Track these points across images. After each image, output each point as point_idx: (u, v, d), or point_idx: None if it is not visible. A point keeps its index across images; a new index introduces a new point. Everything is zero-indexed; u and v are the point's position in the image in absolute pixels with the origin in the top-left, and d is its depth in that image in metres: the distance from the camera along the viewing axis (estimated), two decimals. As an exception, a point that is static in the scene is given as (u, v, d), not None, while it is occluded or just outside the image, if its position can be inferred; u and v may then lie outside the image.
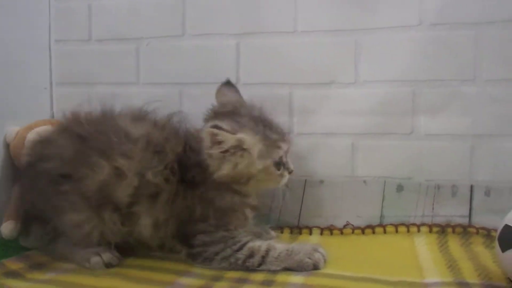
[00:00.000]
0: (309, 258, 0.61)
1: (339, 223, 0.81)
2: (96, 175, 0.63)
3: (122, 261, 0.66)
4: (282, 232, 0.80)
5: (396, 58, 0.79)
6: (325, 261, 0.62)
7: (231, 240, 0.63)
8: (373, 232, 0.79)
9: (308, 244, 0.65)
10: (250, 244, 0.62)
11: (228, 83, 0.76)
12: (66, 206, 0.64)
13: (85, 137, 0.65)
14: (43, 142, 0.71)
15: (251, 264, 0.61)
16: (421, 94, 0.79)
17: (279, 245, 0.63)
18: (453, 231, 0.77)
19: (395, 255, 0.70)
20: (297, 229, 0.81)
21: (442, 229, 0.77)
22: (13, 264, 0.64)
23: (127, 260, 0.66)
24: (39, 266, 0.65)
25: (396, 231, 0.78)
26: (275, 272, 0.59)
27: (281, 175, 0.67)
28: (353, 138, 0.81)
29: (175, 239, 0.67)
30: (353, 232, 0.79)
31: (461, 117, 0.78)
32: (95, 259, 0.63)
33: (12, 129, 0.82)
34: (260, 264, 0.60)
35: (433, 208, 0.79)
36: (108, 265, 0.64)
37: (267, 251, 0.61)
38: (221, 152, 0.62)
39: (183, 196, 0.65)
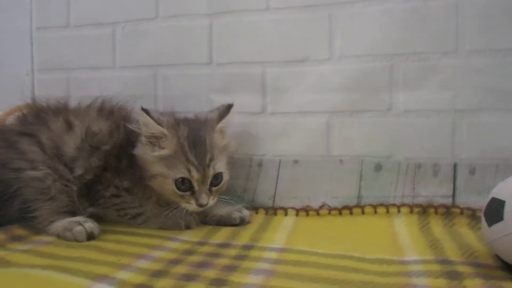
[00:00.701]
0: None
1: (315, 204, 0.78)
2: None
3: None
4: (256, 213, 0.78)
5: (372, 32, 0.76)
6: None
7: (130, 201, 0.71)
8: (351, 213, 0.75)
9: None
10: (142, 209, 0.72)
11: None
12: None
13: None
14: None
15: (135, 221, 0.71)
16: (399, 68, 0.75)
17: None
18: (436, 212, 0.72)
19: (373, 235, 0.66)
20: (272, 210, 0.79)
21: (423, 210, 0.73)
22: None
23: (104, 235, 0.66)
24: (19, 238, 0.65)
25: (375, 212, 0.74)
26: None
27: (183, 197, 0.68)
28: (328, 116, 0.78)
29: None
30: (329, 213, 0.76)
31: (442, 92, 0.73)
32: (78, 228, 0.64)
33: (-8, 114, 0.84)
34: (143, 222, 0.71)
35: (413, 188, 0.75)
36: (90, 235, 0.64)
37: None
38: (144, 136, 0.68)
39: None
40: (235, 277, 0.49)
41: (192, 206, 0.68)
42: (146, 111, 0.67)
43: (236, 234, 0.67)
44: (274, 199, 0.80)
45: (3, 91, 0.88)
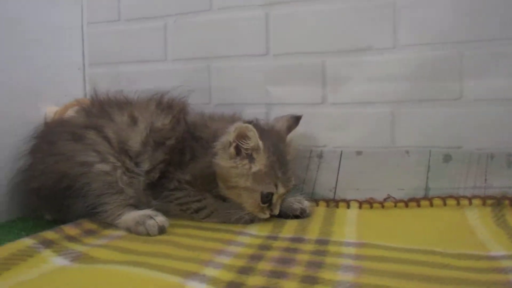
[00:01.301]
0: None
1: (379, 196, 0.76)
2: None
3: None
4: (317, 205, 0.77)
5: (439, 19, 0.72)
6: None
7: (193, 195, 0.71)
8: (418, 205, 0.73)
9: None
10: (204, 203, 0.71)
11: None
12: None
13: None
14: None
15: (198, 215, 0.70)
16: (468, 56, 0.71)
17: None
18: (511, 204, 0.69)
19: (448, 229, 0.64)
20: (333, 202, 0.77)
21: (497, 202, 0.69)
22: (70, 230, 0.65)
23: (173, 229, 0.66)
24: (91, 232, 0.66)
25: (444, 204, 0.72)
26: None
27: (261, 209, 0.68)
28: (392, 106, 0.75)
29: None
30: (395, 206, 0.74)
31: (516, 78, 0.69)
32: (150, 222, 0.64)
33: (50, 109, 0.85)
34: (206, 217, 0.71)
35: (485, 180, 0.72)
36: (161, 229, 0.64)
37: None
38: (235, 148, 0.66)
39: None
40: (325, 274, 0.48)
41: (265, 215, 0.68)
42: (253, 124, 0.66)
43: (304, 228, 0.66)
44: (335, 191, 0.79)
45: (56, 86, 0.88)
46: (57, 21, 0.88)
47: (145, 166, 0.70)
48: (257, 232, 0.65)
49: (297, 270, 0.50)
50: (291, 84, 0.81)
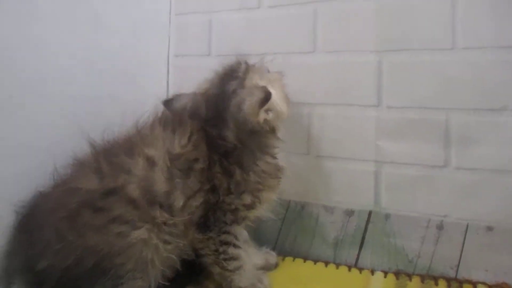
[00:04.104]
0: None
1: (512, 281, 0.66)
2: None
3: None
4: (436, 284, 0.67)
5: None
6: None
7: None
8: (561, 296, 0.63)
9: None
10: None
11: None
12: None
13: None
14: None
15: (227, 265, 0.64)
16: None
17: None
18: None
19: None
20: (456, 282, 0.67)
21: None
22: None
23: None
24: None
25: None
26: None
27: None
28: (535, 175, 0.66)
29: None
30: (537, 294, 0.64)
31: None
32: None
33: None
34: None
35: None
36: None
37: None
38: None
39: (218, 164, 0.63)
40: None
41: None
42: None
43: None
44: (457, 269, 0.68)
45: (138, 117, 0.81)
46: (143, 53, 0.82)
47: (179, 202, 0.59)
48: None
49: None
50: (406, 141, 0.72)
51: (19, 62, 0.61)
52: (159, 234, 0.59)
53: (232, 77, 0.67)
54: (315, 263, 0.75)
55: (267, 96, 0.62)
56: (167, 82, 0.89)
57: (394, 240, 0.72)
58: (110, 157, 0.61)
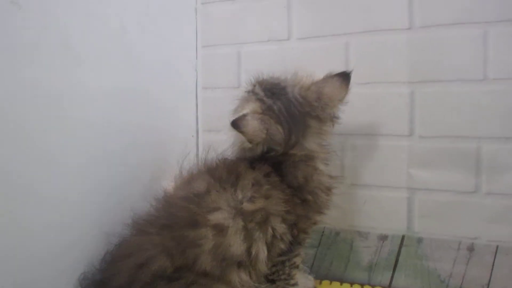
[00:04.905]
0: None
1: (542, 300, 0.71)
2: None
3: None
4: (469, 304, 0.72)
5: None
6: None
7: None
8: None
9: None
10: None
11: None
12: None
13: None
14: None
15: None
16: None
17: None
18: None
19: None
20: (486, 301, 0.73)
21: None
22: None
23: None
24: None
25: None
26: None
27: None
28: None
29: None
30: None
31: None
32: None
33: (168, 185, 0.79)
34: None
35: None
36: None
37: None
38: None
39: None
40: None
41: None
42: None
43: None
44: (488, 289, 0.74)
45: (171, 153, 0.81)
46: (172, 86, 0.81)
47: (263, 252, 0.58)
48: None
49: None
50: (438, 169, 0.75)
51: (67, 108, 0.60)
52: None
53: (279, 86, 0.65)
54: (351, 286, 0.80)
55: (350, 75, 0.65)
56: (196, 115, 0.89)
57: (427, 262, 0.77)
58: (172, 229, 0.57)
